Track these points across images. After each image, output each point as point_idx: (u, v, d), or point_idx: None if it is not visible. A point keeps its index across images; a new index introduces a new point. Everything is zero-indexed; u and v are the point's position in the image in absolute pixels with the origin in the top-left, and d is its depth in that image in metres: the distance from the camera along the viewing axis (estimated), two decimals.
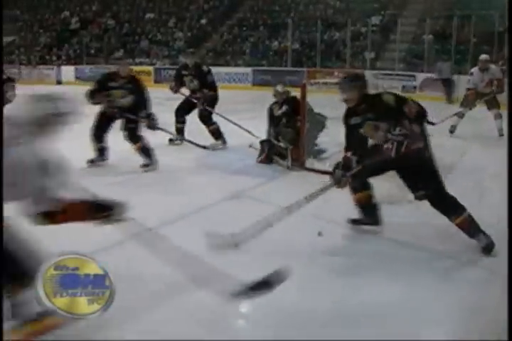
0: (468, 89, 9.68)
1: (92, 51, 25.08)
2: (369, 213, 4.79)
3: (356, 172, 4.39)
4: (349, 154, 4.46)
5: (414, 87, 16.75)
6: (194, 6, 25.81)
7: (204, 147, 8.39)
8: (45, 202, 3.04)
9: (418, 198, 4.45)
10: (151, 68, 21.82)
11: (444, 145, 7.76)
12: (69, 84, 21.93)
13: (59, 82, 23.33)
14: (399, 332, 3.22)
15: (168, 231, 4.35)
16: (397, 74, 17.33)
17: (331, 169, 4.70)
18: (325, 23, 20.53)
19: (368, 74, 16.81)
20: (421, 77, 16.79)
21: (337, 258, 4.34)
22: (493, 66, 9.75)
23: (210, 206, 5.49)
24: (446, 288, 3.82)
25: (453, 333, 3.31)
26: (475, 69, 9.67)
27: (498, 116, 9.34)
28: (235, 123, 8.52)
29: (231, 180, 6.69)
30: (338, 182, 4.40)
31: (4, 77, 9.45)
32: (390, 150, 4.31)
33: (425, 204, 4.46)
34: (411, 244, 4.54)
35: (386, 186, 4.94)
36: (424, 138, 4.42)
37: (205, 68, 8.78)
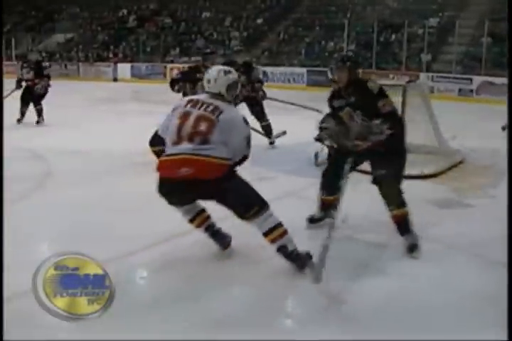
0: None
1: (149, 49, 25.43)
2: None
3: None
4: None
5: (471, 91, 16.47)
6: (251, 5, 25.94)
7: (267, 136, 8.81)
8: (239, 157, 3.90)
9: (374, 180, 4.47)
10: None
11: (500, 150, 7.62)
12: (125, 82, 22.27)
13: (115, 79, 23.69)
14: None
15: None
16: (454, 77, 17.06)
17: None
18: (381, 24, 20.36)
19: (424, 76, 16.68)
20: (478, 80, 16.48)
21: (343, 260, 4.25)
22: None
23: None
24: (452, 282, 3.86)
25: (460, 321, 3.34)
26: None
27: None
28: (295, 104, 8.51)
29: (283, 179, 6.71)
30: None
31: (46, 72, 11.11)
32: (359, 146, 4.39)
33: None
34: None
35: None
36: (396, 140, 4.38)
37: (253, 65, 9.13)
